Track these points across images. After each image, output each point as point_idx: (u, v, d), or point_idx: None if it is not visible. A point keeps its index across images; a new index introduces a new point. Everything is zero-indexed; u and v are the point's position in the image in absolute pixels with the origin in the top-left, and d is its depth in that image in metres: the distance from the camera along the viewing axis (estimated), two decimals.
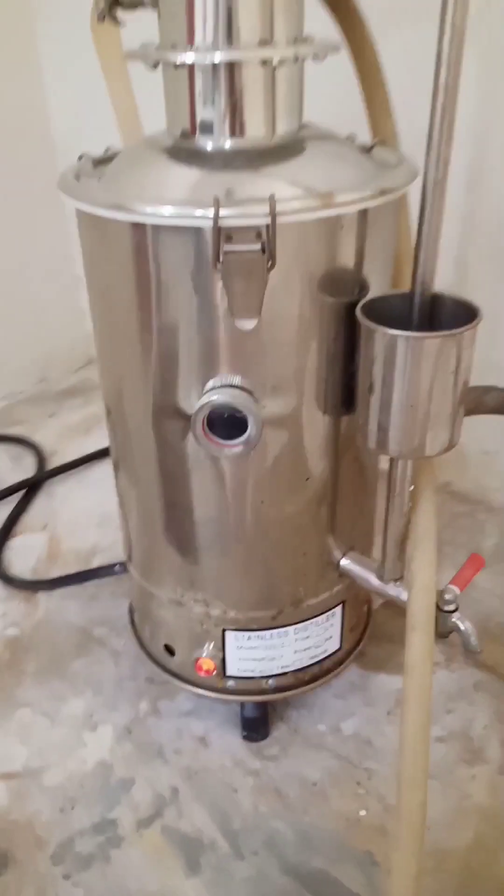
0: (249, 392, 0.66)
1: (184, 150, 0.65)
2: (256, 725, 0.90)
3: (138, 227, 0.61)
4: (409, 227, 0.79)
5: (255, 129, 0.64)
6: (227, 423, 0.67)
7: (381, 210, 0.64)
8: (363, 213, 0.63)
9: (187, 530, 0.77)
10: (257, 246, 0.58)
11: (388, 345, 0.61)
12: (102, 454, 1.46)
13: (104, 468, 1.44)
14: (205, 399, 0.65)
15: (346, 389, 0.70)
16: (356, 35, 0.75)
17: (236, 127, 0.63)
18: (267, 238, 0.58)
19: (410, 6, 0.99)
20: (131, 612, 1.00)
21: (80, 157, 0.74)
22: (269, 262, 0.59)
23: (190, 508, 0.76)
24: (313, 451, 0.73)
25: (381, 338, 0.62)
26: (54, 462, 1.44)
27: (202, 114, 0.63)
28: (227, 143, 0.64)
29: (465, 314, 0.63)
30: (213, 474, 0.72)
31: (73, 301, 1.77)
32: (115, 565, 1.03)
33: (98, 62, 0.78)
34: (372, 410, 0.66)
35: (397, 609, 1.07)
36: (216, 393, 0.65)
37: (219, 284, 0.61)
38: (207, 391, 0.66)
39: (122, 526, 0.90)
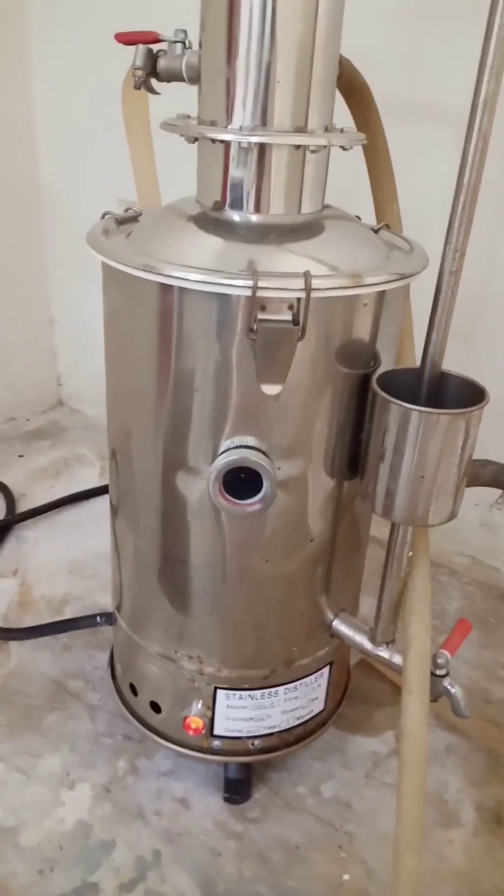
0: (265, 453, 0.68)
1: (212, 220, 0.68)
2: (239, 787, 0.89)
3: (167, 289, 0.63)
4: (409, 306, 0.84)
5: (283, 207, 0.67)
6: (239, 483, 0.69)
7: (396, 291, 0.68)
8: (381, 294, 0.66)
9: (185, 584, 0.78)
10: (289, 317, 0.61)
11: (403, 418, 0.65)
12: (72, 499, 1.44)
13: (75, 513, 1.42)
14: (225, 457, 0.67)
15: (352, 455, 0.73)
16: (370, 124, 0.80)
17: (265, 203, 0.67)
18: (299, 310, 0.61)
19: (411, 102, 1.06)
20: (111, 664, 0.98)
21: (104, 216, 0.76)
22: (300, 333, 0.61)
23: (190, 562, 0.77)
24: (318, 513, 0.75)
25: (397, 411, 0.65)
26: (24, 505, 1.42)
27: (234, 188, 0.67)
28: (255, 218, 0.67)
29: (470, 393, 0.67)
30: (217, 530, 0.73)
31: (44, 342, 1.77)
32: (97, 616, 1.01)
33: (124, 126, 0.81)
34: (381, 477, 0.69)
35: (372, 670, 1.09)
36: (236, 452, 0.67)
37: (246, 350, 0.63)
38: (227, 450, 0.68)
39: (112, 573, 0.90)
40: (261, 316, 0.61)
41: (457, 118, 0.67)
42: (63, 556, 1.29)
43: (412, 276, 0.67)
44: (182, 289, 0.63)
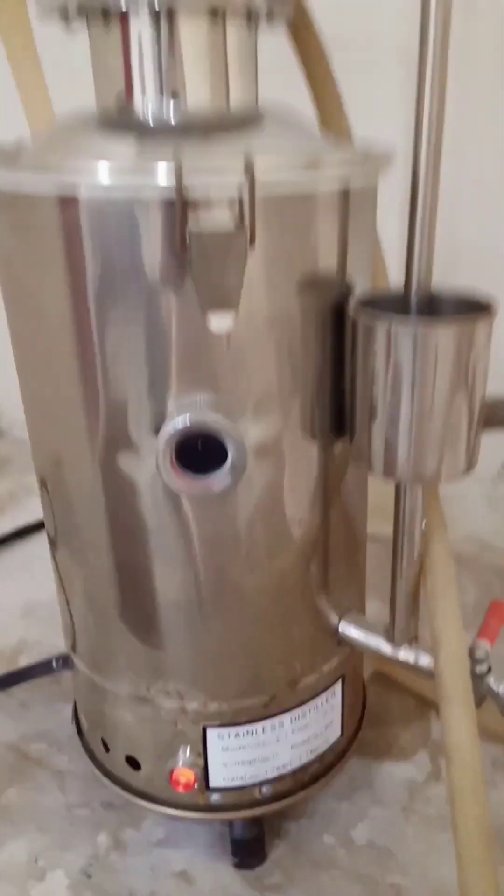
0: (226, 414, 0.52)
1: (117, 122, 0.53)
2: (251, 848, 0.71)
3: (69, 205, 0.48)
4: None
5: (207, 95, 0.53)
6: (200, 460, 0.53)
7: (362, 195, 0.54)
8: (345, 195, 0.52)
9: (151, 601, 0.61)
10: (230, 220, 0.46)
11: (396, 341, 0.50)
12: (21, 534, 1.27)
13: (24, 549, 1.25)
14: (172, 423, 0.51)
15: (336, 411, 0.58)
16: (303, 22, 0.66)
17: (181, 91, 0.52)
18: (244, 210, 0.46)
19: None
20: (76, 717, 0.81)
21: None
22: (249, 239, 0.46)
23: (151, 574, 0.60)
24: (304, 488, 0.59)
25: (385, 333, 0.50)
26: None
27: (140, 73, 0.52)
28: (172, 113, 0.52)
29: (470, 312, 0.52)
30: (179, 525, 0.57)
31: None
32: (52, 660, 0.84)
33: None
34: (377, 427, 0.53)
35: (388, 683, 0.93)
36: (185, 412, 0.51)
37: (181, 276, 0.48)
38: (174, 415, 0.52)
39: (61, 609, 0.73)
40: (193, 224, 0.46)
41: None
42: (14, 599, 1.11)
43: (378, 164, 0.53)
44: (89, 200, 0.47)
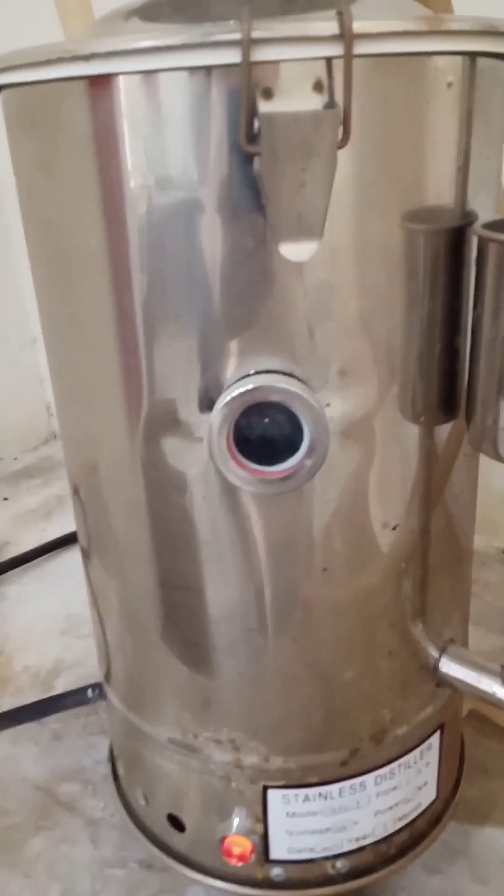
0: (303, 381, 0.39)
1: (169, 2, 0.41)
2: None
3: (102, 89, 0.35)
4: None
5: None
6: (266, 439, 0.40)
7: (493, 74, 0.40)
8: (472, 67, 0.37)
9: (201, 626, 0.48)
10: (318, 102, 0.33)
11: None
12: (68, 541, 1.16)
13: (69, 559, 1.14)
14: (231, 393, 0.38)
15: (447, 377, 0.44)
16: None
17: None
18: (335, 87, 0.33)
19: None
20: (112, 760, 0.68)
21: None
22: (343, 132, 0.33)
23: (202, 592, 0.47)
24: (400, 484, 0.45)
25: None
26: (7, 553, 1.14)
27: None
28: None
29: None
30: (238, 532, 0.44)
31: (29, 365, 1.52)
32: (87, 688, 0.72)
33: None
34: None
35: (487, 724, 0.77)
36: (249, 382, 0.38)
37: (245, 185, 0.35)
38: (234, 382, 0.39)
39: (95, 633, 0.60)
40: (266, 106, 0.33)
41: None
42: (54, 612, 1.00)
43: None
44: (127, 78, 0.35)
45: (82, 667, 0.89)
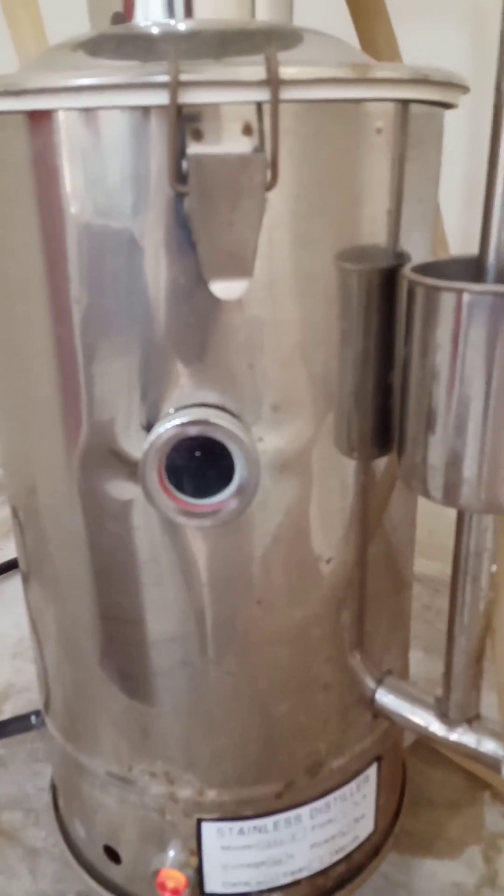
0: (234, 414, 0.39)
1: (114, 38, 0.41)
2: None
3: (41, 121, 0.36)
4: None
5: (225, 8, 0.41)
6: (199, 472, 0.40)
7: (424, 121, 0.41)
8: (403, 115, 0.38)
9: (139, 658, 0.48)
10: (247, 145, 0.34)
11: (467, 316, 0.36)
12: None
13: None
14: (163, 427, 0.38)
15: (380, 414, 0.44)
16: None
17: (196, 3, 0.40)
18: (264, 130, 0.33)
19: None
20: (53, 789, 0.67)
21: None
22: (271, 173, 0.34)
23: (140, 623, 0.47)
24: (336, 516, 0.46)
25: (452, 305, 0.36)
26: None
27: None
28: (183, 25, 0.40)
29: None
30: (176, 562, 0.44)
31: None
32: (31, 715, 0.71)
33: None
34: (437, 436, 0.40)
35: (433, 754, 0.77)
36: (181, 416, 0.38)
37: (177, 223, 0.35)
38: (165, 415, 0.39)
39: (35, 662, 0.60)
40: (195, 148, 0.33)
41: None
42: (7, 635, 0.98)
43: (446, 85, 0.40)
44: (64, 115, 0.35)
45: (32, 691, 0.88)
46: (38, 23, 0.53)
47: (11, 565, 1.13)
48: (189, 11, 0.40)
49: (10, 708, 0.86)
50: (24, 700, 0.87)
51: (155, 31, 0.40)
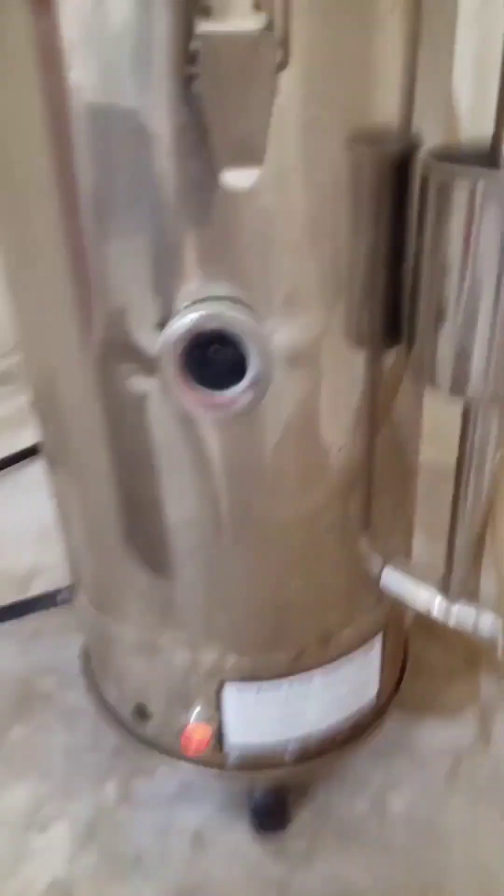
0: (248, 306, 0.40)
1: None
2: (273, 812, 0.64)
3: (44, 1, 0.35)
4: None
5: None
6: (213, 364, 0.41)
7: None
8: None
9: (163, 538, 0.51)
10: (261, 20, 0.33)
11: (480, 205, 0.36)
12: (37, 451, 1.18)
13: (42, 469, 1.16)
14: (178, 323, 0.39)
15: (389, 306, 0.45)
16: None
17: None
18: (274, 8, 0.32)
19: None
20: (85, 656, 0.73)
21: None
22: (282, 54, 0.33)
23: (159, 505, 0.50)
24: (345, 407, 0.47)
25: (465, 194, 0.36)
26: None
27: None
28: None
29: None
30: (193, 451, 0.46)
31: None
32: (58, 592, 0.76)
33: None
34: (446, 328, 0.40)
35: (433, 633, 0.83)
36: (195, 310, 0.39)
37: (186, 111, 0.35)
38: (180, 312, 0.40)
39: (64, 540, 0.63)
40: (204, 26, 0.32)
41: None
42: (29, 520, 1.03)
43: None
44: None
45: (58, 570, 0.93)
46: None
47: (28, 453, 1.17)
48: None
49: (39, 586, 0.91)
50: (51, 579, 0.92)
51: None
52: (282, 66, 0.33)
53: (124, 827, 0.65)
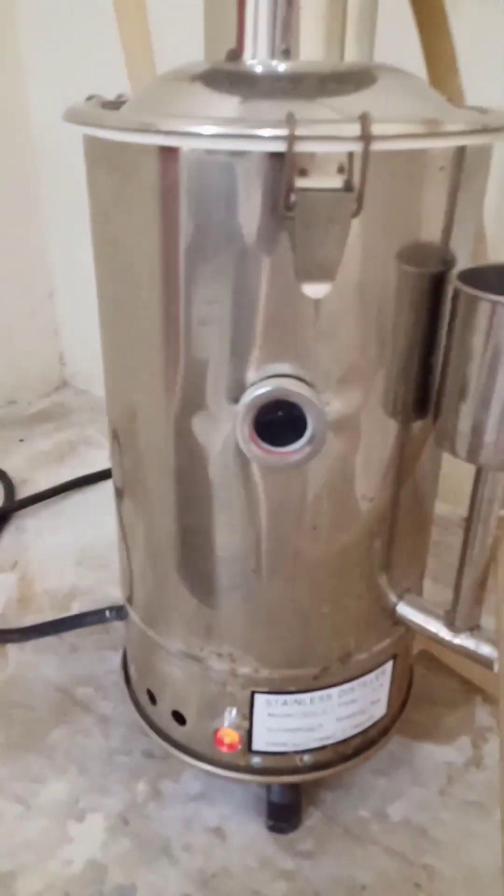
0: (310, 383, 0.51)
1: (226, 74, 0.51)
2: (286, 813, 0.72)
3: (169, 155, 0.46)
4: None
5: (321, 50, 0.50)
6: (274, 429, 0.52)
7: (477, 157, 0.51)
8: (461, 155, 0.49)
9: (212, 565, 0.61)
10: (340, 181, 0.44)
11: (498, 318, 0.47)
12: (79, 483, 1.28)
13: (81, 498, 1.26)
14: (257, 390, 0.50)
15: (421, 386, 0.56)
16: None
17: (295, 45, 0.50)
18: (354, 172, 0.44)
19: None
20: (125, 667, 0.82)
21: (89, 98, 0.60)
22: (357, 206, 0.44)
23: (213, 538, 0.60)
24: (378, 464, 0.58)
25: (487, 309, 0.48)
26: (25, 491, 1.26)
27: (253, 28, 0.50)
28: (283, 66, 0.50)
29: None
30: (247, 492, 0.57)
31: (46, 317, 1.62)
32: (105, 610, 0.85)
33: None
34: (465, 407, 0.52)
35: (436, 663, 0.92)
36: (270, 382, 0.50)
37: (280, 237, 0.46)
38: (256, 382, 0.51)
39: (120, 561, 0.73)
40: (301, 182, 0.44)
41: None
42: (69, 545, 1.13)
43: (501, 129, 0.50)
44: (190, 152, 0.46)
45: (95, 593, 1.03)
46: (148, 45, 0.62)
47: (70, 485, 1.27)
48: (288, 53, 0.50)
49: (77, 606, 1.01)
50: (88, 600, 1.02)
51: (259, 70, 0.50)
52: (356, 213, 0.44)
53: (153, 820, 0.73)
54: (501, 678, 0.56)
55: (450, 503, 0.63)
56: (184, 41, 0.58)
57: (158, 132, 0.45)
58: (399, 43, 0.62)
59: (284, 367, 0.51)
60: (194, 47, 0.55)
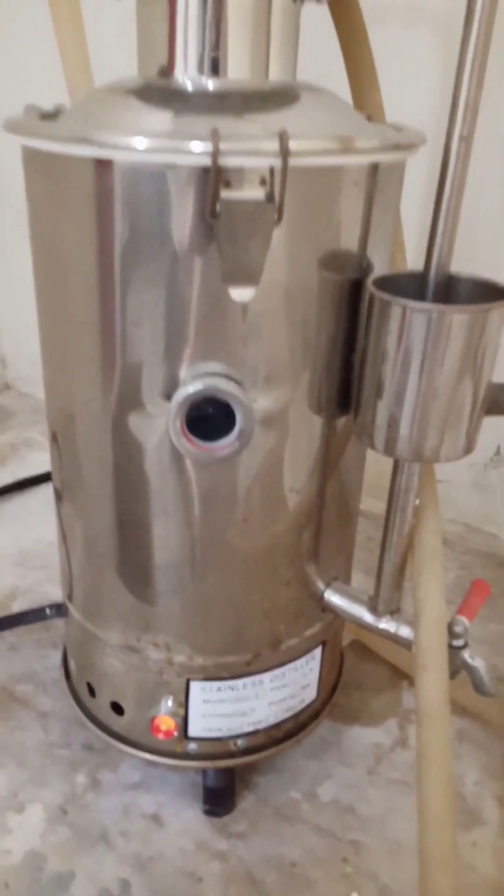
0: (238, 382, 0.54)
1: (158, 90, 0.54)
2: (221, 797, 0.75)
3: (103, 167, 0.49)
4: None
5: (246, 69, 0.54)
6: (206, 425, 0.55)
7: (390, 173, 0.55)
8: (374, 171, 0.53)
9: (147, 557, 0.64)
10: (262, 193, 0.48)
11: (409, 322, 0.52)
12: (19, 486, 1.29)
13: (21, 501, 1.27)
14: (188, 387, 0.53)
15: (343, 384, 0.60)
16: None
17: (223, 64, 0.53)
18: (274, 184, 0.47)
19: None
20: (65, 663, 0.84)
21: (26, 108, 0.62)
22: (277, 215, 0.48)
23: (149, 531, 0.63)
24: (304, 458, 0.62)
25: (400, 314, 0.52)
26: None
27: (183, 46, 0.53)
28: (211, 83, 0.53)
29: (485, 298, 0.54)
30: (181, 486, 0.60)
31: None
32: (45, 608, 0.86)
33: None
34: (382, 404, 0.56)
35: (365, 651, 0.96)
36: (201, 381, 0.53)
37: (207, 244, 0.49)
38: (187, 381, 0.54)
39: (61, 560, 0.75)
40: (225, 193, 0.47)
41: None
42: (9, 546, 1.14)
43: (410, 147, 0.54)
44: (123, 164, 0.49)
45: (35, 593, 1.03)
46: (86, 55, 0.65)
47: (7, 489, 1.27)
48: (216, 71, 0.53)
49: (17, 605, 1.01)
50: (28, 600, 1.03)
51: (189, 87, 0.53)
52: (276, 223, 0.48)
53: (91, 809, 0.75)
54: (417, 657, 0.60)
55: (384, 500, 0.67)
56: (122, 51, 0.61)
57: (94, 144, 0.48)
58: (333, 63, 0.66)
59: (214, 366, 0.54)
60: (132, 58, 0.58)
